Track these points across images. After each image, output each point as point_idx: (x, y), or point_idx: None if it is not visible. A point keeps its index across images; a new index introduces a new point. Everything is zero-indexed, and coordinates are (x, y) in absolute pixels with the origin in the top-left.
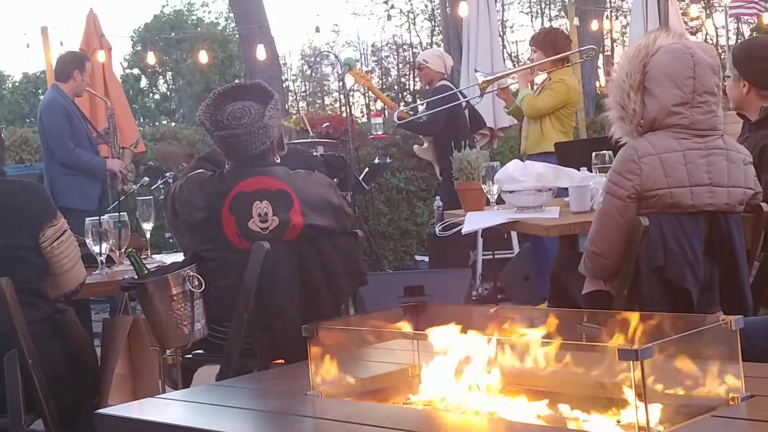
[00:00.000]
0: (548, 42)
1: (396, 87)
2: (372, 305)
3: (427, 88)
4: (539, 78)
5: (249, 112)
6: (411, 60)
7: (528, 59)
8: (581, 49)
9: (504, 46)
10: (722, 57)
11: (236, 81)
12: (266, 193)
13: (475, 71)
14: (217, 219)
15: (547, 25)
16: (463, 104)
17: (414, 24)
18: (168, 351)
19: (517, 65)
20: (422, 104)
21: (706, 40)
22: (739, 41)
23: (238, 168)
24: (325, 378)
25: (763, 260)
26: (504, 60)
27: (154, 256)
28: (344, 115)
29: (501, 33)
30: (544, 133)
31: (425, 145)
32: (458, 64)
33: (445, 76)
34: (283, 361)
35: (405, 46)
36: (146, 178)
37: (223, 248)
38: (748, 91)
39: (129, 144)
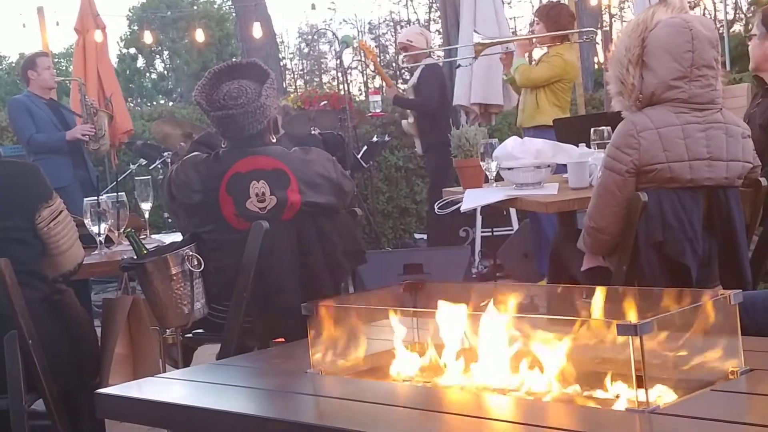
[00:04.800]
0: (552, 16)
1: (394, 65)
2: (371, 283)
3: (409, 67)
4: (538, 52)
5: (245, 91)
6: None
7: (530, 30)
8: (582, 30)
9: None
10: (720, 31)
11: (233, 59)
12: (263, 172)
13: (475, 32)
14: (215, 200)
15: (545, 0)
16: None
17: (411, 1)
18: (168, 330)
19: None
20: (410, 75)
21: (704, 15)
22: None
23: (233, 148)
24: (325, 356)
25: (762, 235)
26: (509, 35)
27: (152, 235)
28: (342, 93)
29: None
30: (539, 106)
31: (411, 119)
32: (456, 41)
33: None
34: (282, 339)
35: (403, 23)
36: (143, 160)
37: (222, 229)
38: None
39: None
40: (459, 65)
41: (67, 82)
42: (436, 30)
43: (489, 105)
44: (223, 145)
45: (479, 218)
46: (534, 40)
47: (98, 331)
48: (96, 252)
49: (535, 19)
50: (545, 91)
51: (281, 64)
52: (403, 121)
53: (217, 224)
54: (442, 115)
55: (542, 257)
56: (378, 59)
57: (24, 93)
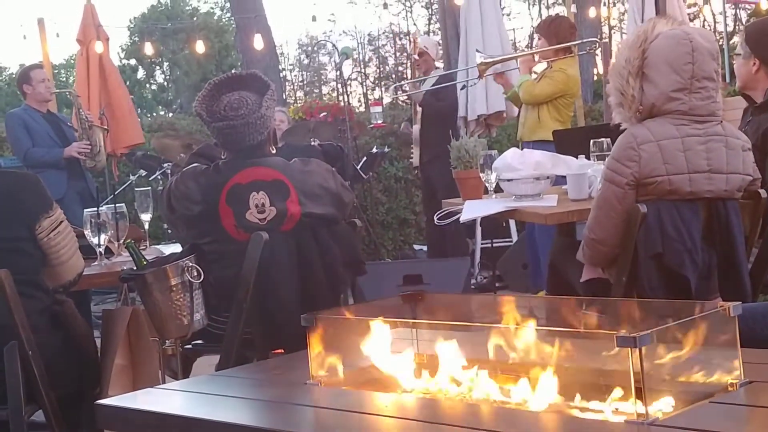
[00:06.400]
0: (552, 30)
1: (393, 76)
2: (371, 294)
3: (421, 75)
4: (540, 67)
5: (246, 102)
6: (408, 49)
7: (527, 46)
8: (584, 41)
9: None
10: (720, 43)
11: (233, 71)
12: (262, 183)
13: (477, 51)
14: (215, 211)
15: (544, 12)
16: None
17: (411, 12)
18: (167, 341)
19: (515, 52)
20: (430, 79)
21: (704, 26)
22: (753, 20)
23: (233, 160)
24: (324, 367)
25: (762, 247)
26: (510, 47)
27: (152, 246)
28: (342, 104)
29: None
30: (541, 120)
31: (419, 125)
32: (456, 53)
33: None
34: (282, 350)
35: (402, 35)
36: (143, 171)
37: (222, 240)
38: (757, 69)
39: (96, 115)
40: (464, 86)
41: (67, 93)
42: (437, 42)
43: (491, 115)
44: (222, 157)
45: (479, 229)
46: (537, 55)
47: (98, 342)
48: (96, 263)
49: (537, 34)
50: (548, 105)
51: (281, 75)
52: (415, 127)
53: (216, 235)
54: (454, 126)
55: (535, 271)
56: (377, 71)
57: (21, 106)
